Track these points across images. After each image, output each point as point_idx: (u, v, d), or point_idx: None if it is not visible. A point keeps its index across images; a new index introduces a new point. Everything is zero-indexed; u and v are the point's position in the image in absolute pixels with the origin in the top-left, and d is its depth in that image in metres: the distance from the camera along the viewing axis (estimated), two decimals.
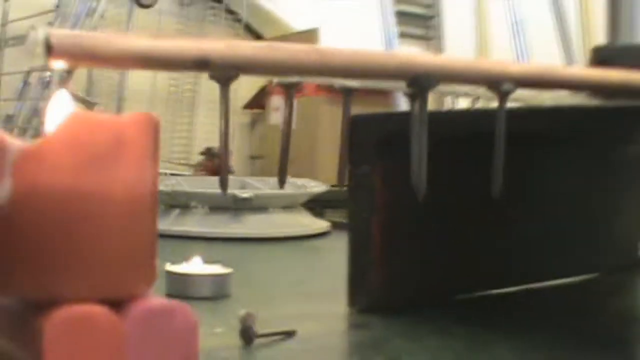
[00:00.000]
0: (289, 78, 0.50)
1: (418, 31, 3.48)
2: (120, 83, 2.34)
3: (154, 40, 0.45)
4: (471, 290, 0.86)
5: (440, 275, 0.84)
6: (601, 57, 0.87)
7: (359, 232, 0.86)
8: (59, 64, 0.44)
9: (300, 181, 1.72)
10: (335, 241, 1.37)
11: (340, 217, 1.62)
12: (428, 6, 4.18)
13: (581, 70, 0.57)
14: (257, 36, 3.09)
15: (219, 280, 0.90)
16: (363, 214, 0.86)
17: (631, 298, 0.91)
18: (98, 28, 2.17)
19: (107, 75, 2.35)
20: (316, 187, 1.71)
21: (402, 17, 4.03)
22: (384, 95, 2.20)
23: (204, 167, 2.59)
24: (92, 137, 0.42)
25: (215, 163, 2.45)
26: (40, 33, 0.42)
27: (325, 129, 2.65)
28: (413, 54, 0.51)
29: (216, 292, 0.89)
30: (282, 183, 0.55)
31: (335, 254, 1.14)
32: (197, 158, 2.68)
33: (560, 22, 2.17)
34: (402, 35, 4.51)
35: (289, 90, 0.55)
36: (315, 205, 1.74)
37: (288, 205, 1.60)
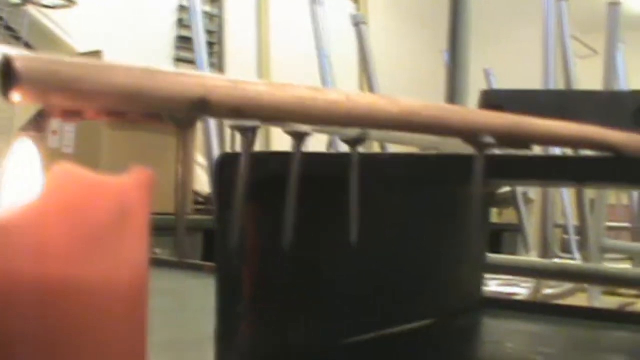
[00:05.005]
0: (294, 126, 0.40)
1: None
2: None
3: (148, 73, 0.33)
4: (336, 339, 0.83)
5: (309, 324, 0.80)
6: (490, 100, 0.87)
7: (228, 282, 0.78)
8: (20, 98, 0.30)
9: None
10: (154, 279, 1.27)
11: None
12: (211, 32, 4.11)
13: (558, 123, 0.52)
14: None
15: None
16: (233, 261, 0.78)
17: (472, 340, 0.92)
18: None
19: None
20: None
21: (182, 41, 3.94)
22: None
23: None
24: (91, 204, 0.28)
25: None
26: None
27: (107, 154, 2.55)
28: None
29: None
30: None
31: (172, 294, 1.08)
32: None
33: (363, 55, 2.18)
34: (180, 59, 4.42)
35: (298, 140, 0.43)
36: None
37: None
